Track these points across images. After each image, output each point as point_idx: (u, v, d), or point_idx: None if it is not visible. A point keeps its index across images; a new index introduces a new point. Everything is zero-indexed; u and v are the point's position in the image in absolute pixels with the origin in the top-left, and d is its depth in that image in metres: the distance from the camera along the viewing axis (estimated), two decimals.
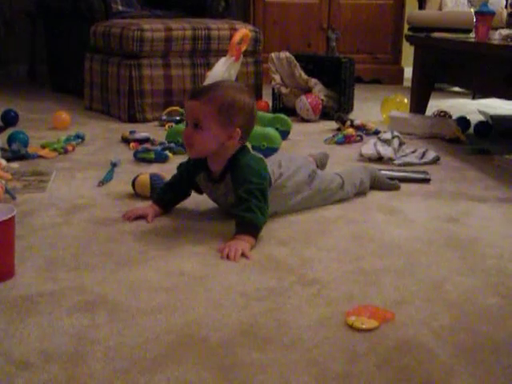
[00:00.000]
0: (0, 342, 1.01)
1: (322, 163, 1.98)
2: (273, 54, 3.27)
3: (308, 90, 3.18)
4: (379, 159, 2.25)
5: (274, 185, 1.58)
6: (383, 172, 2.00)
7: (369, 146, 2.32)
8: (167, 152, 2.24)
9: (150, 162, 2.20)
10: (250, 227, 1.45)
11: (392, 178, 1.97)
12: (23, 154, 2.21)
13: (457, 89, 4.48)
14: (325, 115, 3.12)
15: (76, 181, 1.99)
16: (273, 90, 3.32)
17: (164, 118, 2.88)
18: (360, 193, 1.85)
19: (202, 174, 1.59)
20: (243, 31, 2.40)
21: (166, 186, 1.69)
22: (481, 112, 3.25)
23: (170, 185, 1.68)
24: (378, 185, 1.92)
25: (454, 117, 2.97)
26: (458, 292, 1.23)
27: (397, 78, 4.83)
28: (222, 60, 2.35)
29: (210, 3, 3.70)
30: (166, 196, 1.67)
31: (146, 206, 1.67)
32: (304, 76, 3.20)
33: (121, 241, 1.47)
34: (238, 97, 1.50)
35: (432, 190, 1.95)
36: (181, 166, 1.68)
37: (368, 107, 3.58)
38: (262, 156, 1.58)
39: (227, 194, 1.55)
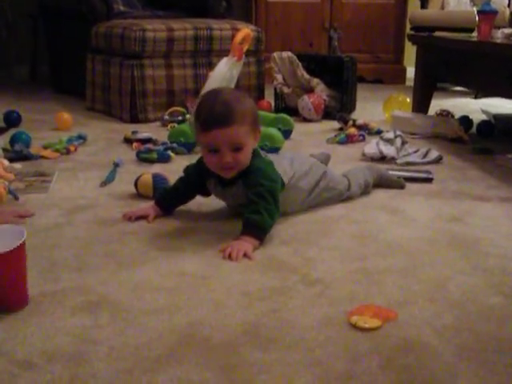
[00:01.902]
0: (3, 342, 1.01)
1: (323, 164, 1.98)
2: (275, 54, 3.27)
3: (310, 90, 3.18)
4: (382, 159, 2.24)
5: (287, 185, 1.57)
6: None
7: (371, 146, 2.32)
8: (169, 152, 2.24)
9: (152, 162, 2.20)
10: (255, 229, 1.44)
11: None
12: (26, 154, 2.21)
13: (459, 88, 4.48)
14: (327, 115, 3.12)
15: (78, 181, 1.99)
16: (275, 89, 3.31)
17: (166, 118, 2.88)
18: (364, 193, 1.85)
19: (213, 178, 1.57)
20: (245, 31, 2.39)
21: (171, 189, 1.68)
22: (483, 111, 3.24)
23: (176, 189, 1.66)
24: (384, 183, 1.92)
25: (457, 116, 2.96)
26: (460, 291, 1.23)
27: (399, 78, 4.82)
28: (224, 60, 2.35)
29: (212, 3, 3.70)
30: (170, 198, 1.66)
31: (146, 206, 1.66)
32: (306, 76, 3.20)
33: (123, 241, 1.47)
34: (250, 101, 1.51)
35: (434, 190, 1.95)
36: (188, 169, 1.65)
37: (370, 107, 3.57)
38: (271, 159, 1.57)
39: (237, 196, 1.54)
